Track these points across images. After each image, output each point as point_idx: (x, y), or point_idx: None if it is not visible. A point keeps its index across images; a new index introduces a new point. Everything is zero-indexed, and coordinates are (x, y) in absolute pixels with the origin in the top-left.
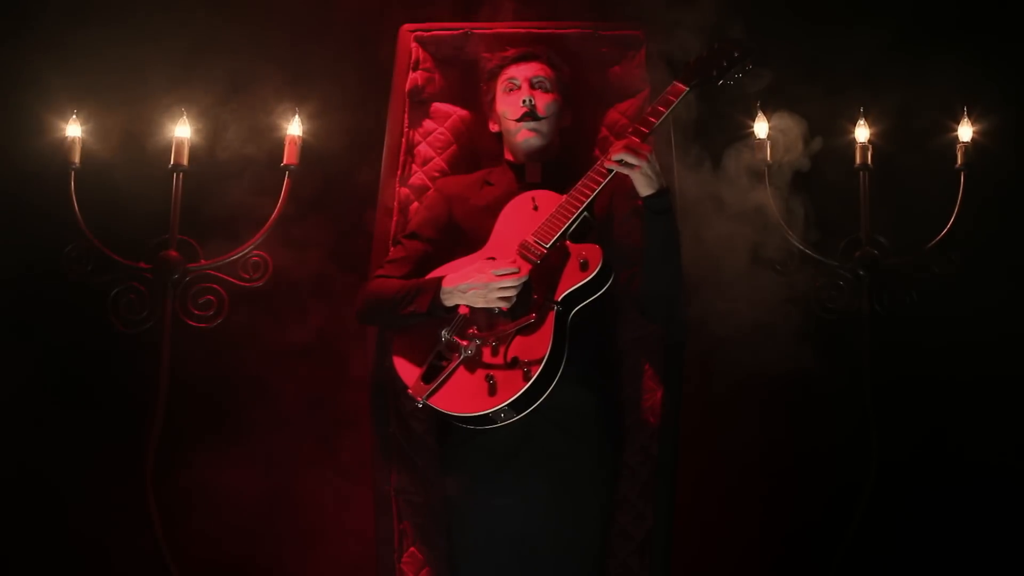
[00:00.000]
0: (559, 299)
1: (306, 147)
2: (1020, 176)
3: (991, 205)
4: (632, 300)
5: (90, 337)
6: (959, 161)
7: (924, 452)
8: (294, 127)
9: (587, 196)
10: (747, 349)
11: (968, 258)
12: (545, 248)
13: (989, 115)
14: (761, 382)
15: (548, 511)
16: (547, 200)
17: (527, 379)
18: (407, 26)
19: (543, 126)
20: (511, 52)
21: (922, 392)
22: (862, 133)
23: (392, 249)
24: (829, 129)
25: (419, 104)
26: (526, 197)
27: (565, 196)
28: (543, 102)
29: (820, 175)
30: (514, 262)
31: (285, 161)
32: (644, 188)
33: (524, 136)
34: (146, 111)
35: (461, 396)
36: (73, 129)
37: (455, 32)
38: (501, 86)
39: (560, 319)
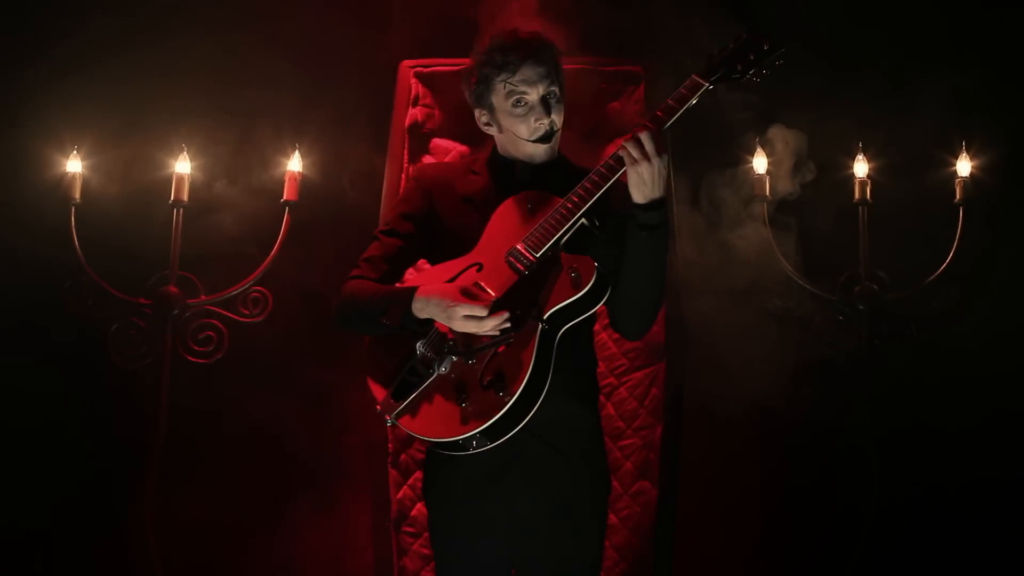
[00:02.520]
0: (545, 317)
1: (306, 183)
2: (1018, 210)
3: (990, 239)
4: (607, 309)
5: (89, 372)
6: (958, 196)
7: (924, 485)
8: (294, 163)
9: (583, 202)
10: (747, 384)
11: (967, 292)
12: (534, 257)
13: (987, 150)
14: (761, 416)
15: (540, 536)
16: (544, 202)
17: (501, 406)
18: (407, 62)
19: (557, 137)
20: (517, 56)
21: (922, 426)
22: (860, 168)
23: (370, 245)
24: (828, 164)
25: (419, 139)
26: (522, 198)
27: (561, 200)
28: (557, 115)
29: (819, 210)
30: (496, 271)
31: (285, 197)
32: (636, 192)
33: (538, 151)
34: (147, 147)
35: (432, 418)
36: (74, 165)
37: (455, 68)
38: (504, 92)
39: (545, 338)
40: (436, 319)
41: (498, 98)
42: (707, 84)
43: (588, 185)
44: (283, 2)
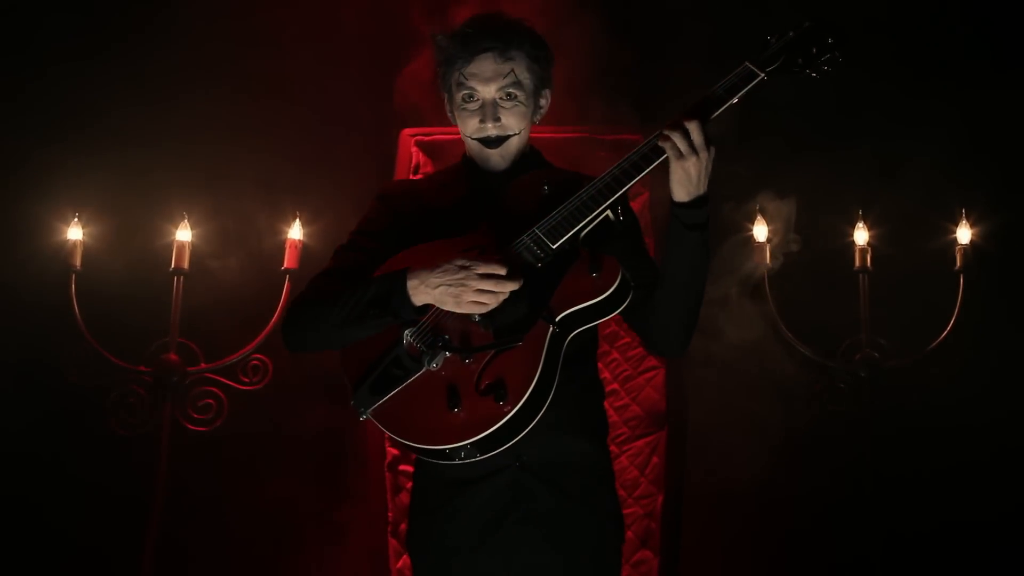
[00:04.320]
0: (558, 319)
1: (307, 251)
2: (1019, 277)
3: (990, 306)
4: (636, 326)
5: (88, 440)
6: (958, 263)
7: (927, 550)
8: (295, 231)
9: (612, 191)
10: (749, 451)
11: (968, 359)
12: (552, 247)
13: (988, 217)
14: (763, 483)
15: None
16: (563, 183)
17: (499, 417)
18: (408, 130)
19: (511, 144)
20: (475, 45)
21: (926, 494)
22: (861, 236)
23: (329, 260)
24: (829, 232)
25: None
26: (539, 176)
27: (587, 184)
28: (511, 119)
29: (820, 277)
30: (505, 258)
31: (286, 265)
32: (679, 189)
33: (487, 158)
34: (148, 215)
35: (415, 419)
36: (75, 232)
37: (455, 136)
38: (455, 84)
39: (554, 343)
40: (440, 295)
41: (453, 87)
42: (762, 75)
43: (618, 173)
44: (284, 71)
